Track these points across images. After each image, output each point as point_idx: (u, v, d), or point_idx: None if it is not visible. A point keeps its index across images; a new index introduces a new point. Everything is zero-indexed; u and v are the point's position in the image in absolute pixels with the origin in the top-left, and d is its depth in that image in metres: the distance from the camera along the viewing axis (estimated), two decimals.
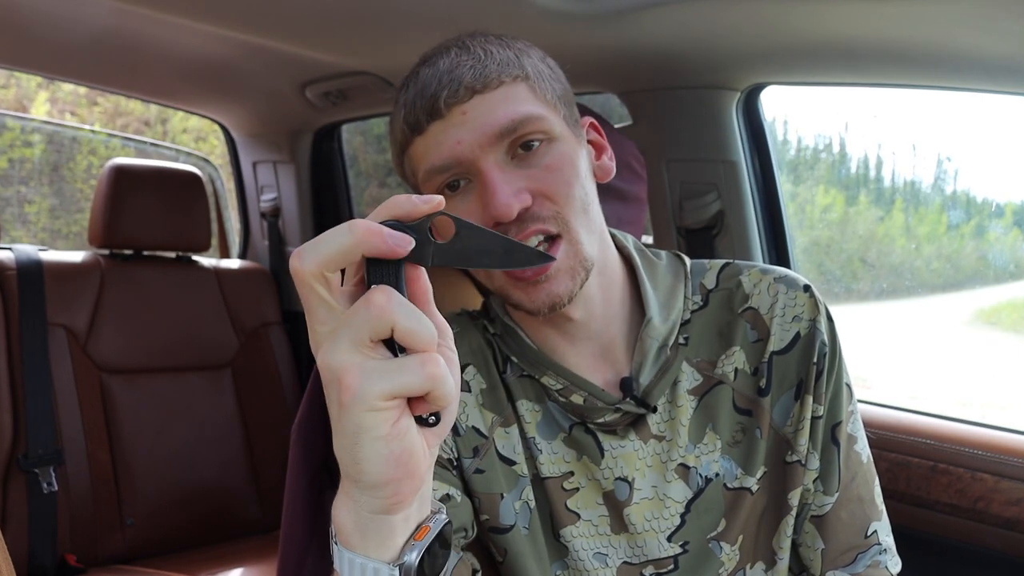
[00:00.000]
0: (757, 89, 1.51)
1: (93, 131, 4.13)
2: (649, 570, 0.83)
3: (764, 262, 1.56)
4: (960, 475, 1.30)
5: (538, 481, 0.84)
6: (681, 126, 1.56)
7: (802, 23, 1.21)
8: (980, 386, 1.76)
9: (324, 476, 1.22)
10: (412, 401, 0.49)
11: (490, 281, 0.79)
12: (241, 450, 2.15)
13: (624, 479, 0.82)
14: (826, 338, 0.84)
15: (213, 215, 2.32)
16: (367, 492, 0.51)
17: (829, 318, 0.85)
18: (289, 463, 1.21)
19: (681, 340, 0.84)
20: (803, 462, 0.83)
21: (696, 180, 1.57)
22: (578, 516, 0.83)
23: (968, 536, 1.30)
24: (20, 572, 1.74)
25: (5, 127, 3.43)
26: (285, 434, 1.25)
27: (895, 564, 0.86)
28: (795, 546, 0.87)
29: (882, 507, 0.88)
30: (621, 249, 0.87)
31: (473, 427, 0.83)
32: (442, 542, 0.56)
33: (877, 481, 0.88)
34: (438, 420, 0.51)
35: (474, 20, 1.31)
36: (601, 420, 0.82)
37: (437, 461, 0.76)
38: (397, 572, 0.53)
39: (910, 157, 1.90)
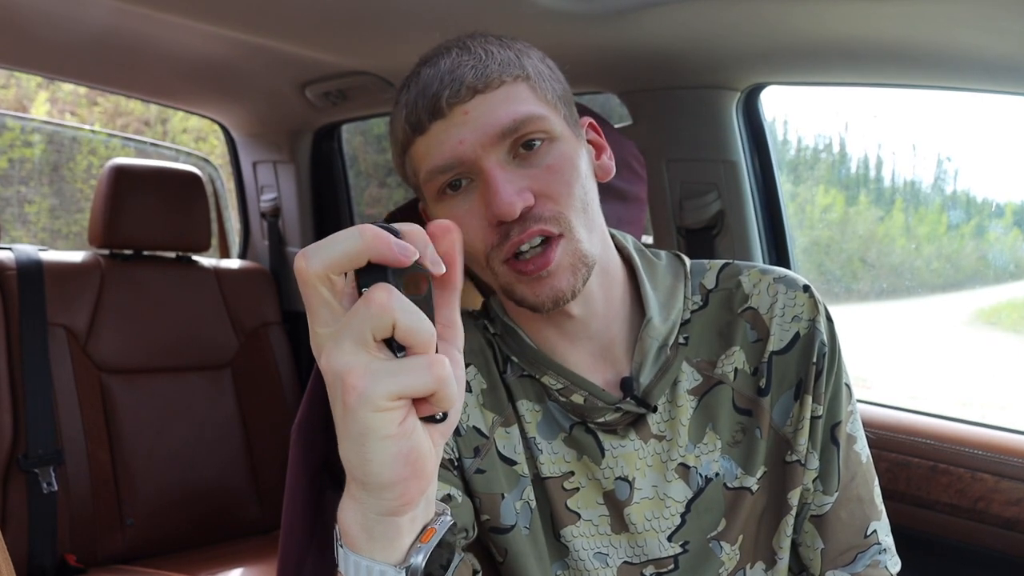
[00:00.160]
0: (757, 89, 1.52)
1: (93, 131, 4.13)
2: (649, 570, 0.83)
3: (764, 262, 1.56)
4: (960, 475, 1.30)
5: (538, 481, 0.84)
6: (681, 126, 1.56)
7: (802, 23, 1.21)
8: (980, 386, 1.76)
9: (324, 476, 1.22)
10: (416, 401, 0.49)
11: (494, 278, 0.79)
12: (241, 450, 2.15)
13: (624, 479, 0.82)
14: (825, 338, 0.84)
15: (213, 215, 2.32)
16: (374, 494, 0.51)
17: (828, 318, 0.85)
18: (289, 463, 1.21)
19: (681, 340, 0.85)
20: (803, 462, 0.83)
21: (696, 180, 1.57)
22: (578, 516, 0.83)
23: (968, 536, 1.30)
24: (20, 572, 1.75)
25: (5, 127, 3.43)
26: (285, 434, 1.25)
27: (895, 564, 0.86)
28: (795, 546, 0.87)
29: (881, 507, 0.88)
30: (621, 249, 0.87)
31: (474, 427, 0.83)
32: (446, 544, 0.56)
33: (876, 481, 0.88)
34: (445, 417, 0.51)
35: (474, 20, 1.31)
36: (601, 420, 0.82)
37: None
38: (404, 574, 0.53)
39: (910, 157, 1.90)
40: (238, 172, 2.53)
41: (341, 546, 0.54)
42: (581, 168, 0.79)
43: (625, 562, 0.83)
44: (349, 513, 0.53)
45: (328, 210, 2.40)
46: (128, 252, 2.11)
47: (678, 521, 0.83)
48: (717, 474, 0.83)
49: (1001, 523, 1.26)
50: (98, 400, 1.95)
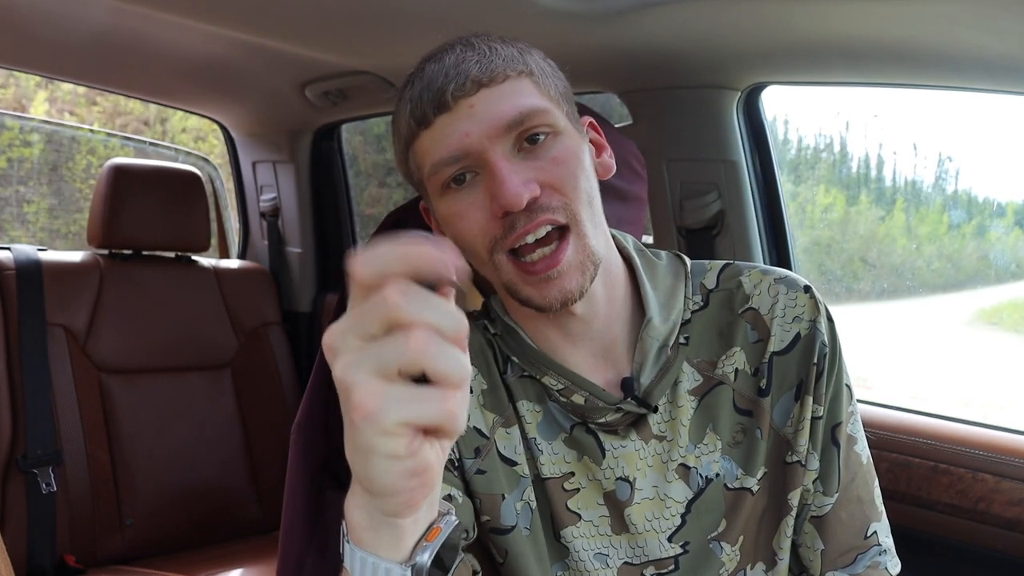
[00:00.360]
0: (758, 89, 1.51)
1: (92, 131, 4.13)
2: (650, 570, 0.83)
3: (764, 262, 1.56)
4: (961, 475, 1.30)
5: (539, 481, 0.83)
6: (681, 126, 1.56)
7: (803, 23, 1.21)
8: (981, 386, 1.76)
9: (324, 476, 1.22)
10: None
11: (496, 273, 0.79)
12: (241, 450, 2.14)
13: (625, 479, 0.82)
14: (826, 339, 0.84)
15: (212, 215, 2.31)
16: (378, 499, 0.51)
17: (829, 319, 0.85)
18: (289, 463, 1.21)
19: (682, 340, 0.84)
20: (803, 462, 0.83)
21: (696, 180, 1.57)
22: (579, 516, 0.83)
23: (969, 537, 1.29)
24: (19, 573, 1.75)
25: (4, 127, 3.42)
26: (285, 434, 1.25)
27: (895, 565, 0.86)
28: (795, 547, 0.87)
29: (882, 508, 0.88)
30: (621, 249, 0.87)
31: (474, 427, 0.83)
32: (451, 544, 0.56)
33: (877, 482, 0.88)
34: None
35: (474, 20, 1.31)
36: (602, 420, 0.82)
37: None
38: (409, 572, 0.53)
39: (911, 157, 1.90)
40: (238, 172, 2.52)
41: (347, 541, 0.54)
42: (585, 162, 0.79)
43: (625, 563, 0.83)
44: (355, 509, 0.53)
45: (328, 210, 2.40)
46: (127, 252, 2.11)
47: (678, 522, 0.83)
48: (717, 475, 0.83)
49: (1002, 523, 1.26)
50: (97, 400, 1.95)
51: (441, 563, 0.55)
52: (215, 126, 2.48)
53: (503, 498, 0.82)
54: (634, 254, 0.87)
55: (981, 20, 1.07)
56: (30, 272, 1.90)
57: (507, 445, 0.83)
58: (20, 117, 4.17)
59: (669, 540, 0.83)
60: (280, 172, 2.38)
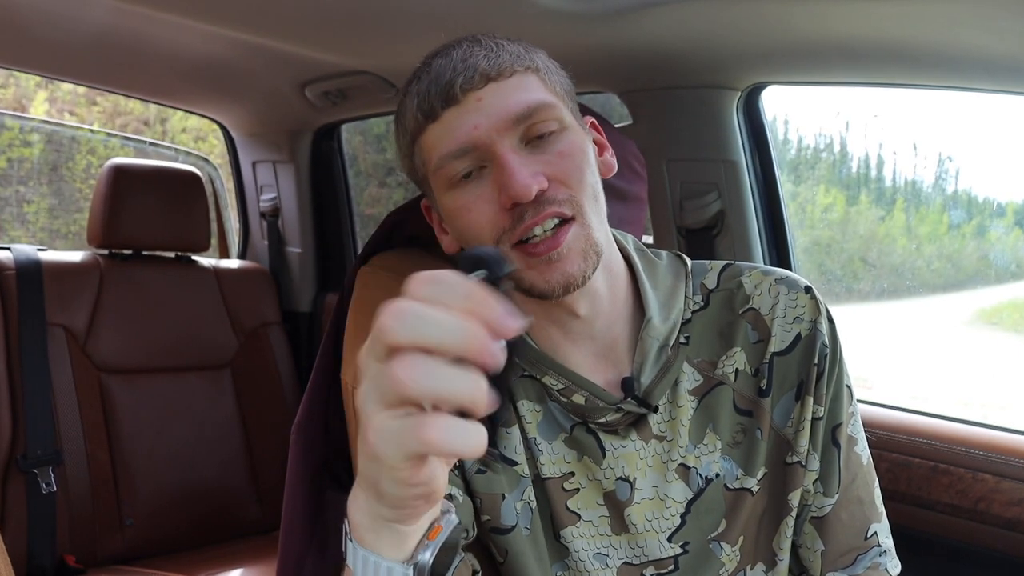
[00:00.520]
0: (758, 89, 1.51)
1: (92, 131, 4.13)
2: (649, 570, 0.83)
3: (764, 262, 1.56)
4: (961, 475, 1.30)
5: (539, 481, 0.83)
6: (681, 126, 1.56)
7: (803, 22, 1.21)
8: (981, 386, 1.76)
9: (324, 476, 1.22)
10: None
11: None
12: (241, 450, 2.14)
13: (625, 479, 0.82)
14: (827, 339, 0.84)
15: (212, 215, 2.31)
16: (383, 507, 0.52)
17: (830, 320, 0.85)
18: (289, 463, 1.21)
19: (682, 340, 0.84)
20: (803, 463, 0.83)
21: (696, 180, 1.57)
22: (578, 516, 0.83)
23: (969, 537, 1.29)
24: (19, 573, 1.75)
25: (4, 127, 3.42)
26: (285, 434, 1.25)
27: (894, 566, 0.86)
28: (795, 547, 0.87)
29: (882, 509, 0.88)
30: (621, 249, 0.87)
31: None
32: (452, 544, 0.57)
33: (877, 483, 0.88)
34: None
35: (474, 20, 1.31)
36: (602, 420, 0.82)
37: None
38: (411, 571, 0.54)
39: (911, 157, 1.90)
40: (238, 172, 2.52)
41: (350, 539, 0.55)
42: (590, 157, 0.79)
43: (625, 563, 0.83)
44: (359, 510, 0.54)
45: (328, 210, 2.40)
46: (127, 252, 2.11)
47: (678, 522, 0.83)
48: (717, 475, 0.83)
49: (1002, 523, 1.26)
50: (97, 400, 1.95)
51: (442, 562, 0.56)
52: (215, 126, 2.48)
53: (503, 498, 0.82)
54: (634, 254, 0.87)
55: (981, 20, 1.07)
56: (30, 272, 1.90)
57: (507, 445, 0.83)
58: (20, 117, 4.17)
59: (669, 540, 0.83)
60: (280, 172, 2.38)
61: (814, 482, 0.84)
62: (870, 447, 0.88)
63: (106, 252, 2.09)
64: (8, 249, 1.95)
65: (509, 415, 0.83)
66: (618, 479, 0.82)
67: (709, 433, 0.84)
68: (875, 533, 0.85)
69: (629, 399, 0.81)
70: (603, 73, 1.54)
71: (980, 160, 1.76)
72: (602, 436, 0.82)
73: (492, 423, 0.47)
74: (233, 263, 2.39)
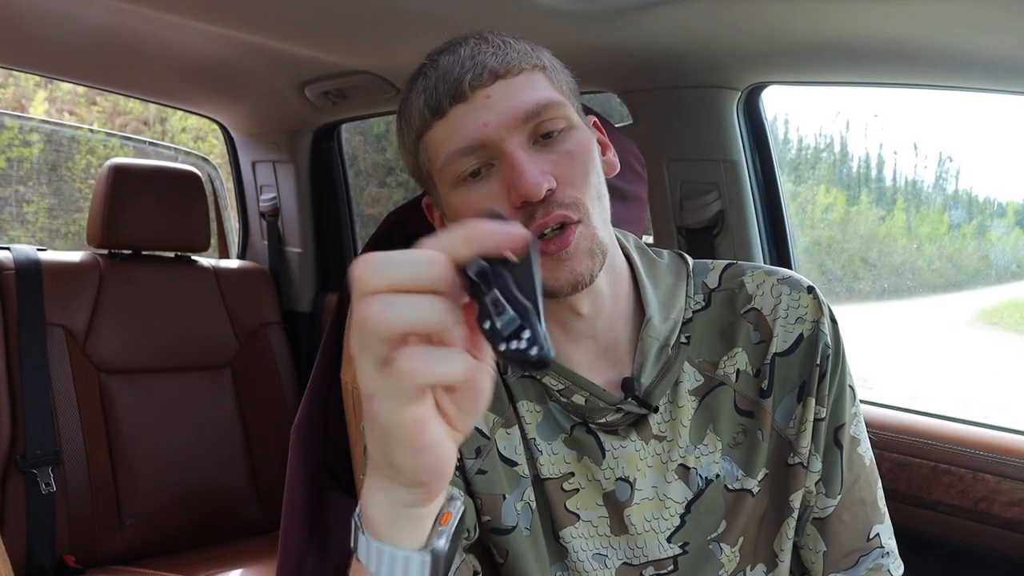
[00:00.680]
0: (758, 88, 1.51)
1: (92, 130, 4.13)
2: (649, 571, 0.83)
3: (765, 262, 1.56)
4: (962, 476, 1.30)
5: (538, 482, 0.83)
6: (681, 126, 1.56)
7: (803, 22, 1.21)
8: (981, 386, 1.76)
9: (324, 476, 1.22)
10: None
11: None
12: (241, 450, 2.14)
13: (625, 479, 0.82)
14: (829, 340, 0.83)
15: (212, 215, 2.31)
16: (403, 489, 0.52)
17: (833, 320, 0.85)
18: (289, 463, 1.21)
19: (683, 340, 0.84)
20: (805, 464, 0.83)
21: (697, 180, 1.57)
22: (577, 517, 0.83)
23: (970, 537, 1.29)
24: (19, 573, 1.75)
25: (3, 126, 3.42)
26: (285, 434, 1.25)
27: (897, 567, 0.86)
28: (796, 548, 0.86)
29: (885, 509, 0.87)
30: (622, 248, 0.87)
31: (475, 427, 0.83)
32: (461, 528, 0.58)
33: (880, 483, 0.88)
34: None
35: (474, 19, 1.31)
36: (602, 420, 0.82)
37: None
38: (428, 558, 0.54)
39: (911, 156, 1.90)
40: (237, 172, 2.52)
41: (363, 533, 0.55)
42: (596, 157, 0.79)
43: (624, 563, 0.83)
44: (376, 504, 0.54)
45: (328, 210, 2.40)
46: (127, 252, 2.11)
47: (677, 522, 0.82)
48: (718, 475, 0.83)
49: (1002, 524, 1.25)
50: (97, 400, 1.95)
51: (454, 547, 0.57)
52: (215, 126, 2.48)
53: (504, 498, 0.82)
54: (634, 253, 0.87)
55: (981, 20, 1.07)
56: (30, 272, 1.90)
57: (507, 445, 0.83)
58: (20, 117, 4.17)
59: (668, 541, 0.82)
60: (280, 172, 2.38)
61: (816, 483, 0.84)
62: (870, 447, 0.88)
63: (106, 252, 2.09)
64: (8, 249, 1.95)
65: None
66: (618, 479, 0.82)
67: (709, 434, 0.83)
68: (878, 534, 0.85)
69: (629, 399, 0.81)
70: (603, 73, 1.54)
71: (980, 160, 1.76)
72: (602, 436, 0.82)
73: (524, 319, 0.46)
74: (233, 263, 2.39)
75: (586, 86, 1.60)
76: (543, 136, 0.75)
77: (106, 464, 1.93)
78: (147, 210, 2.05)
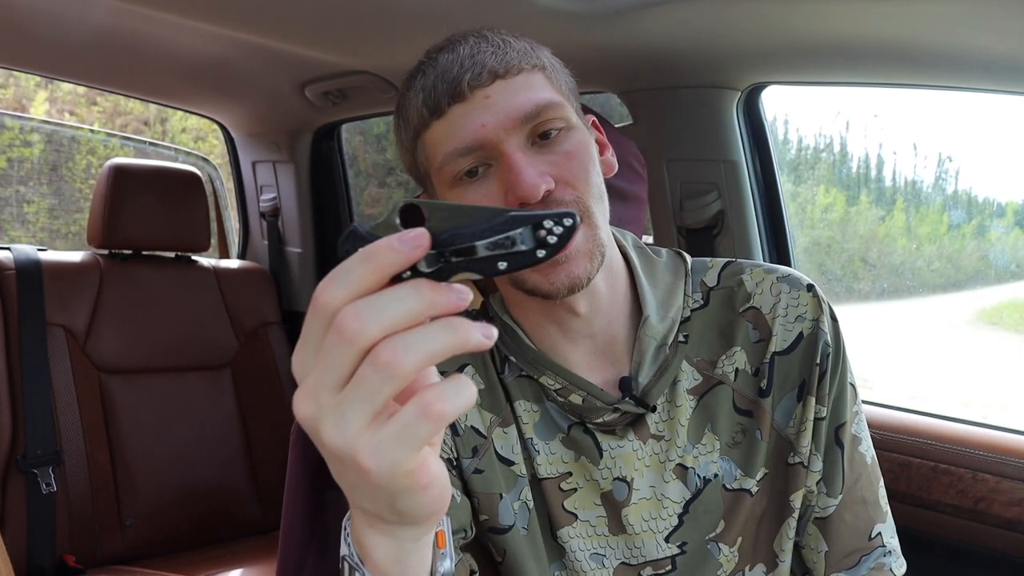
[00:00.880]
0: (758, 89, 1.51)
1: (92, 131, 4.13)
2: (647, 571, 0.82)
3: (765, 262, 1.56)
4: (961, 476, 1.30)
5: (536, 482, 0.83)
6: (681, 126, 1.56)
7: (803, 22, 1.21)
8: (981, 386, 1.76)
9: (324, 476, 1.22)
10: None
11: None
12: (241, 450, 2.14)
13: (623, 479, 0.82)
14: (830, 338, 0.83)
15: (212, 215, 2.32)
16: (409, 526, 0.50)
17: (833, 318, 0.85)
18: (289, 463, 1.21)
19: (681, 338, 0.84)
20: (805, 464, 0.83)
21: (696, 180, 1.57)
22: (575, 517, 0.83)
23: (969, 537, 1.29)
24: (19, 573, 1.75)
25: (4, 127, 3.42)
26: (285, 434, 1.25)
27: (899, 566, 0.86)
28: (798, 548, 0.86)
29: (887, 509, 0.87)
30: (619, 247, 0.87)
31: (472, 427, 0.83)
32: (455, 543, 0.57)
33: (882, 482, 0.88)
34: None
35: (474, 19, 1.30)
36: (600, 420, 0.81)
37: None
38: None
39: (911, 157, 1.90)
40: (237, 172, 2.52)
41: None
42: (595, 157, 0.79)
43: (622, 563, 0.82)
44: (379, 547, 0.51)
45: (328, 210, 2.40)
46: (127, 252, 2.11)
47: (675, 522, 0.82)
48: (716, 475, 0.83)
49: (1002, 523, 1.25)
50: (97, 400, 1.95)
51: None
52: (215, 126, 2.48)
53: (501, 498, 0.82)
54: (632, 252, 0.87)
55: (981, 20, 1.07)
56: (30, 272, 1.90)
57: (504, 445, 0.83)
58: (20, 117, 4.17)
59: (666, 540, 0.82)
60: (280, 172, 2.38)
61: (817, 482, 0.84)
62: None
63: (106, 252, 2.09)
64: (8, 249, 1.95)
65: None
66: (615, 479, 0.82)
67: (708, 433, 0.83)
68: (879, 533, 0.85)
69: (627, 399, 0.81)
70: (603, 73, 1.54)
71: (980, 160, 1.76)
72: (599, 436, 0.82)
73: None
74: (233, 263, 2.39)
75: (586, 86, 1.60)
76: (541, 136, 0.75)
77: (106, 464, 1.93)
78: (147, 210, 2.05)
